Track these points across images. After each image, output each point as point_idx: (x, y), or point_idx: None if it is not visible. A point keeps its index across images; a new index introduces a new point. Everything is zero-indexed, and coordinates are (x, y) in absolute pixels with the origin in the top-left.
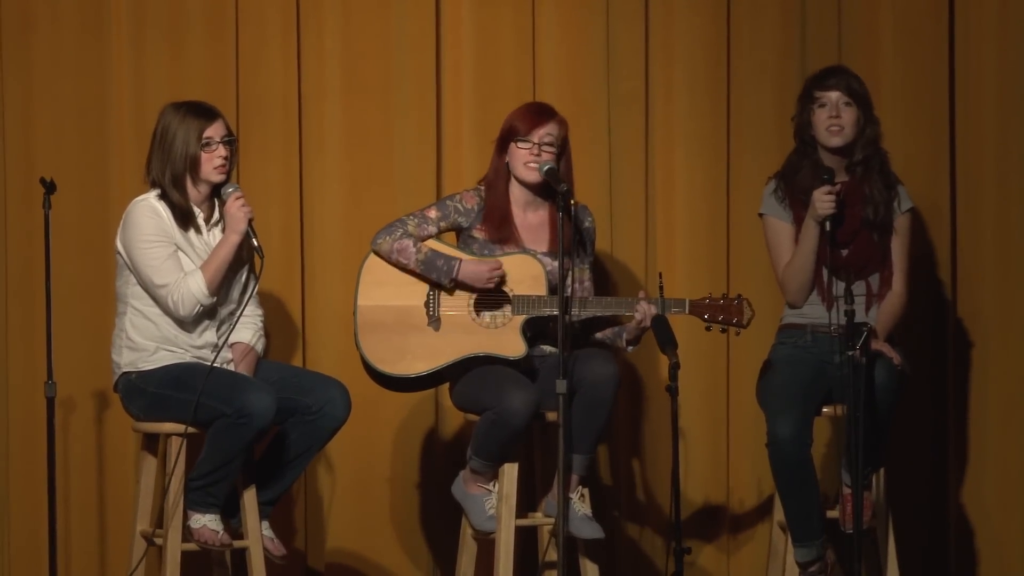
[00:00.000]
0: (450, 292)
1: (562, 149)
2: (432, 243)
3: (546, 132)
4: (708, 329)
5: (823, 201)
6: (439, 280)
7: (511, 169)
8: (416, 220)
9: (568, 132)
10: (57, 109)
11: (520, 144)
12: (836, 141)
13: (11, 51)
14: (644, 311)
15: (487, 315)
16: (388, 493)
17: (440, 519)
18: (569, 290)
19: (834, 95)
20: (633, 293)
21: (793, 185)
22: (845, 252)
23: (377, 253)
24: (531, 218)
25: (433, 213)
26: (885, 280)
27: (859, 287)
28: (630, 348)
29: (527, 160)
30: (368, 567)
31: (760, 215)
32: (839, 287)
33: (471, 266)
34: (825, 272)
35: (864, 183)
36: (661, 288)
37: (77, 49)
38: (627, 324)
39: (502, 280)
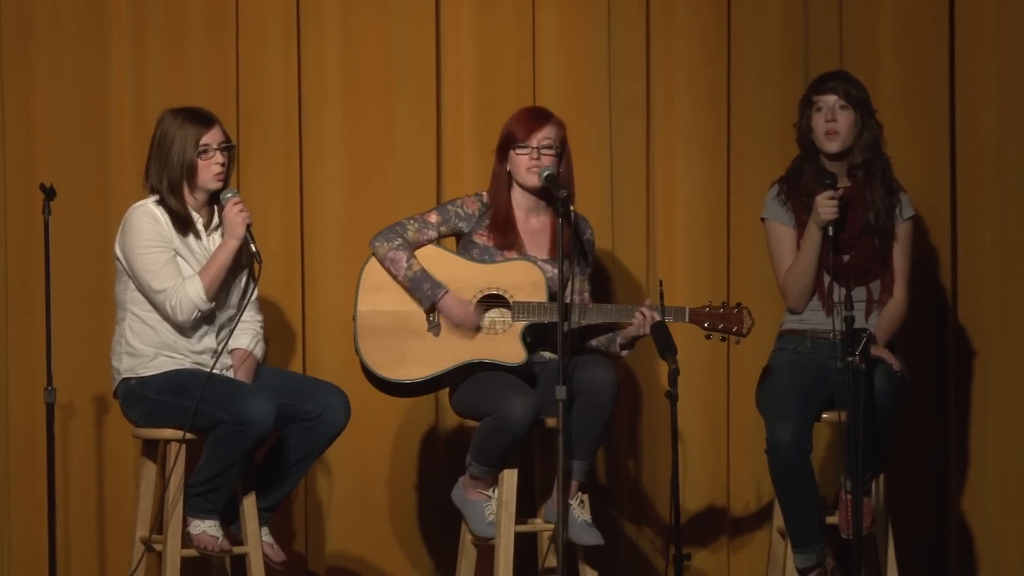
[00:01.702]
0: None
1: (561, 150)
2: (433, 251)
3: (544, 135)
4: (708, 338)
5: (825, 206)
6: (420, 302)
7: (513, 175)
8: (416, 225)
9: (566, 133)
10: (57, 114)
11: (519, 150)
12: (832, 147)
13: (11, 56)
14: (641, 320)
15: (487, 321)
16: (388, 497)
17: (439, 524)
18: (569, 297)
19: (831, 99)
20: (634, 299)
21: (796, 189)
22: (846, 258)
23: (373, 254)
24: (533, 223)
25: (434, 218)
26: (886, 287)
27: (859, 293)
28: (624, 353)
29: (528, 165)
30: (368, 571)
31: (762, 219)
32: (840, 293)
33: (452, 302)
34: (826, 277)
35: (866, 188)
36: (662, 296)
37: (77, 54)
38: (622, 329)
39: (476, 330)
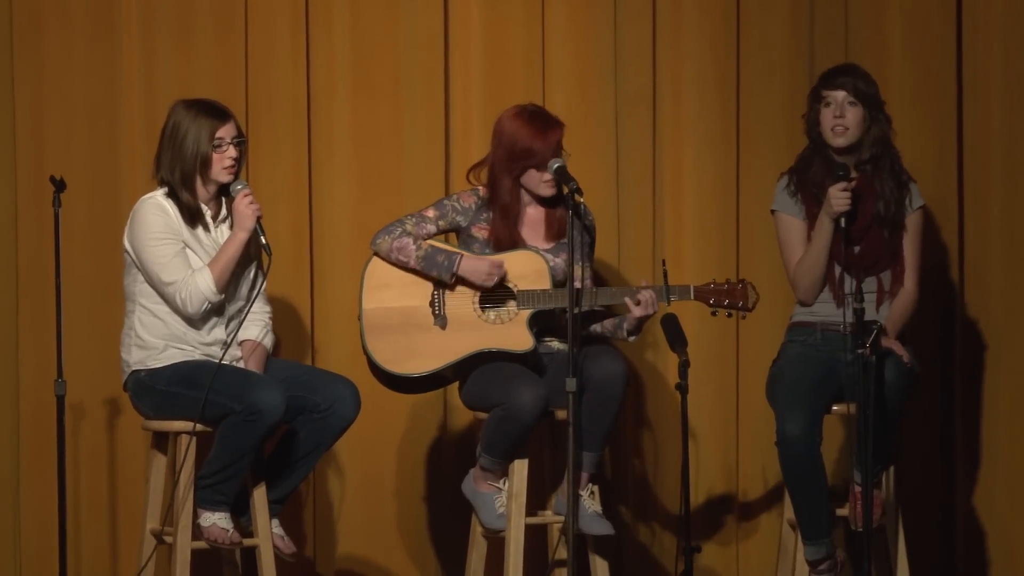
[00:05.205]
0: (452, 288)
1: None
2: (432, 241)
3: (557, 142)
4: (714, 314)
5: (838, 198)
6: (440, 276)
7: (526, 186)
8: (414, 220)
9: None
10: (67, 109)
11: (540, 170)
12: (839, 141)
13: (22, 52)
14: (646, 301)
15: (492, 311)
16: (397, 496)
17: (449, 520)
18: (580, 283)
19: (839, 95)
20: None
21: (805, 181)
22: (856, 249)
23: (377, 253)
24: (531, 213)
25: (431, 212)
26: (897, 277)
27: (869, 284)
28: (631, 338)
29: (546, 178)
30: (377, 571)
31: (772, 212)
32: (851, 284)
33: (472, 261)
34: (837, 269)
35: (875, 180)
36: (665, 275)
37: (87, 49)
38: (627, 314)
39: (503, 277)
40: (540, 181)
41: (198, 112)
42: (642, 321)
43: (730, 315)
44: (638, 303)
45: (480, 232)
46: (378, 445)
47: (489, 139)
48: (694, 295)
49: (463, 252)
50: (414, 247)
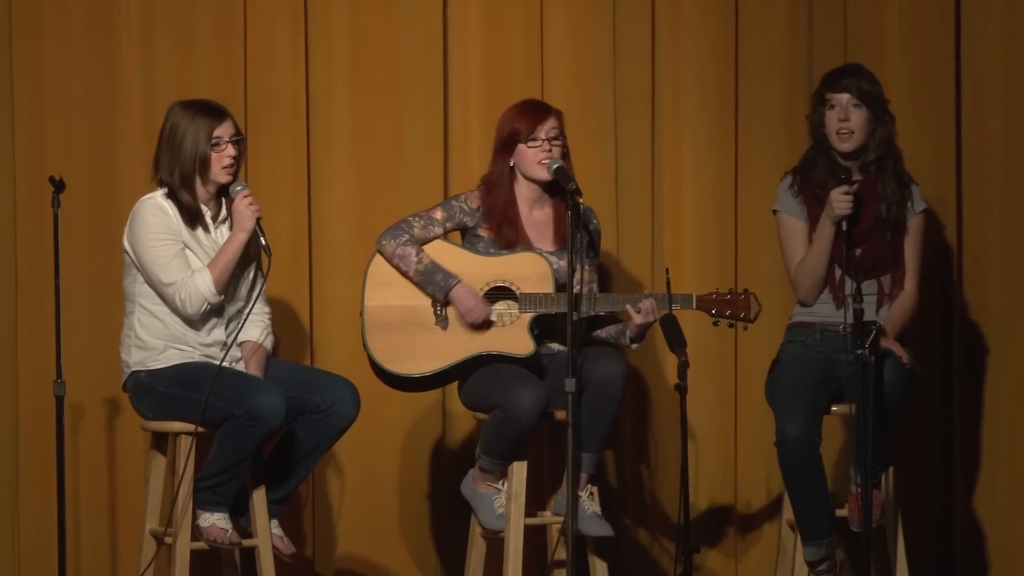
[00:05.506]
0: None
1: (565, 140)
2: (440, 245)
3: (551, 126)
4: (715, 324)
5: (840, 201)
6: (433, 293)
7: (521, 170)
8: (422, 222)
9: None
10: (67, 109)
11: (530, 144)
12: (846, 147)
13: (22, 52)
14: (647, 309)
15: (494, 313)
16: (396, 497)
17: (448, 521)
18: (578, 288)
19: (844, 97)
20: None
21: (809, 182)
22: (858, 251)
23: (380, 253)
24: (537, 216)
25: (439, 214)
26: (897, 280)
27: (870, 286)
28: (634, 346)
29: (539, 158)
30: (376, 571)
31: (774, 212)
32: (851, 286)
33: (465, 294)
34: (837, 271)
35: (878, 181)
36: (668, 284)
37: (87, 50)
38: (630, 322)
39: (486, 324)
40: (534, 162)
41: (195, 112)
42: (644, 329)
43: (731, 326)
44: (639, 311)
45: (486, 232)
46: (378, 445)
47: (488, 139)
48: (696, 305)
49: (460, 279)
50: (415, 260)
